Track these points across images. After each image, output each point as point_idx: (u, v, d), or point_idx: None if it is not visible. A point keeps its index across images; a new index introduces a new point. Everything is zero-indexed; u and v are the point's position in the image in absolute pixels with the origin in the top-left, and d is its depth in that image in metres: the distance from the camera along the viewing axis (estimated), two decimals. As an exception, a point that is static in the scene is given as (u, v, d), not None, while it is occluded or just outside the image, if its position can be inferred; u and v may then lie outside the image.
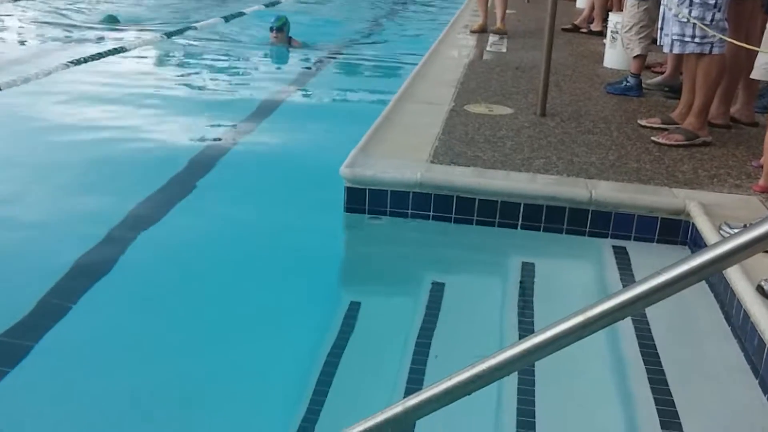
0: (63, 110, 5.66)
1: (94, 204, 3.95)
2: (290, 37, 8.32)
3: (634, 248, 3.42)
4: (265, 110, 5.85)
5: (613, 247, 3.44)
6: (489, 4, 8.67)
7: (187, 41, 8.74)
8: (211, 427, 2.30)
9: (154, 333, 2.83)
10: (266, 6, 11.13)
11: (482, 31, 8.34)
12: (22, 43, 8.70)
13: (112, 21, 9.66)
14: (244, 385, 2.53)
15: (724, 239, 1.25)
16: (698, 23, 4.08)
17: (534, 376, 2.41)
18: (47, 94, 6.14)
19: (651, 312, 2.80)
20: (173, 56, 8.27)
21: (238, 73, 7.44)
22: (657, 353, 2.62)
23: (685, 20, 4.12)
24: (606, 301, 1.41)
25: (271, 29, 8.19)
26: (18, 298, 2.92)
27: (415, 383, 2.41)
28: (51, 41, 8.53)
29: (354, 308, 2.95)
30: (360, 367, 2.59)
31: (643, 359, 2.59)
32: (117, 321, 2.90)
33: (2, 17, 9.90)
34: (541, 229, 3.53)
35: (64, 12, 10.38)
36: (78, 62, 7.02)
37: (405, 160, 3.80)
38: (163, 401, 2.45)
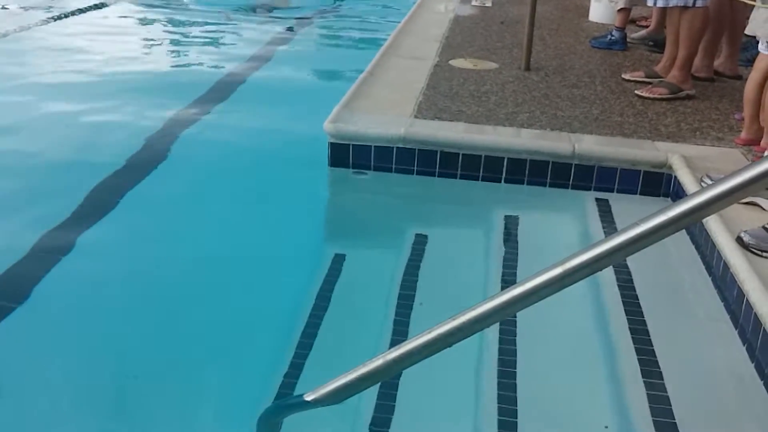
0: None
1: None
2: None
3: (616, 200, 3.41)
4: (248, 69, 5.75)
5: (596, 199, 3.43)
6: None
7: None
8: (195, 379, 2.29)
9: (140, 284, 2.81)
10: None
11: None
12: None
13: None
14: (230, 337, 2.51)
15: (703, 189, 1.23)
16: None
17: (515, 327, 2.41)
18: None
19: (632, 263, 2.81)
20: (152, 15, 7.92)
21: (220, 32, 7.22)
22: (638, 303, 2.62)
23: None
24: (586, 252, 1.40)
25: None
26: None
27: (399, 334, 2.41)
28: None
29: (338, 260, 2.94)
30: (345, 318, 2.58)
31: (624, 309, 2.59)
32: (103, 272, 2.87)
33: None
34: (525, 182, 3.52)
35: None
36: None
37: (389, 116, 3.76)
38: (149, 352, 2.43)
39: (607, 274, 2.69)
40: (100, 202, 3.41)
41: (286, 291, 2.80)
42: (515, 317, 2.37)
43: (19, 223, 3.19)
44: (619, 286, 2.71)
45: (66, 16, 7.13)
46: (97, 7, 7.51)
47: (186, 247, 3.10)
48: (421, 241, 3.08)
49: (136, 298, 2.73)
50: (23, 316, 2.57)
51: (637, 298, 2.65)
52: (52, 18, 7.04)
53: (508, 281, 2.76)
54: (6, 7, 7.63)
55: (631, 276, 2.77)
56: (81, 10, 7.34)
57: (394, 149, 3.55)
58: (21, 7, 7.53)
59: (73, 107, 4.69)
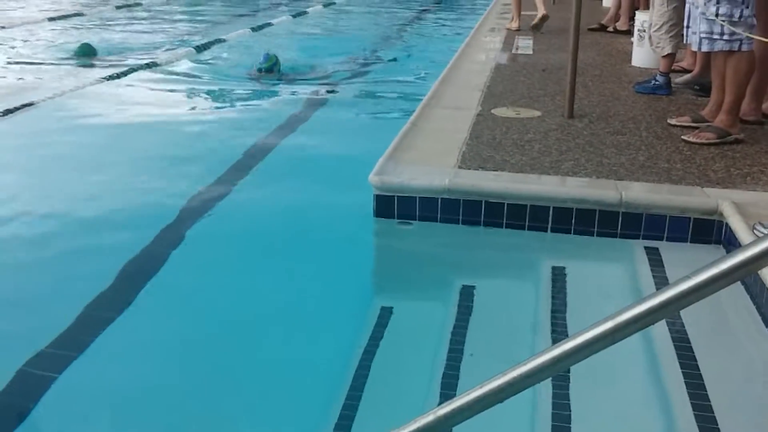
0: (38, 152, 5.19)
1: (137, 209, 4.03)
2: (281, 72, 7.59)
3: (667, 249, 3.37)
4: (293, 122, 5.88)
5: (646, 248, 3.39)
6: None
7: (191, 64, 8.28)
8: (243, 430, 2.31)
9: (190, 335, 2.88)
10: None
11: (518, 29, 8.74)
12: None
13: (86, 53, 8.38)
14: (276, 391, 2.54)
15: (758, 239, 1.22)
16: (726, 21, 4.03)
17: (568, 380, 2.38)
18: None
19: (686, 315, 2.76)
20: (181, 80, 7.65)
21: (259, 95, 7.23)
22: (693, 356, 2.57)
23: (713, 18, 4.06)
24: (637, 305, 1.39)
25: (260, 70, 7.41)
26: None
27: (449, 387, 2.40)
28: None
29: (385, 312, 2.95)
30: (392, 372, 2.58)
31: (679, 362, 2.54)
32: (155, 324, 2.95)
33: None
34: (572, 231, 3.50)
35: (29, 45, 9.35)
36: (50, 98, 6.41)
37: (433, 167, 3.80)
38: (196, 401, 2.48)
39: (660, 326, 2.65)
40: (150, 259, 3.49)
41: (333, 344, 2.81)
42: (568, 372, 2.34)
43: (70, 279, 3.29)
44: (672, 337, 2.66)
45: (91, 84, 7.14)
46: (120, 75, 7.48)
47: (231, 301, 3.15)
48: (468, 291, 3.08)
49: (185, 352, 2.78)
50: (81, 368, 2.63)
51: (691, 350, 2.60)
52: (77, 88, 7.01)
53: (558, 332, 2.74)
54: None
55: (684, 328, 2.72)
56: (110, 77, 7.35)
57: (439, 200, 3.57)
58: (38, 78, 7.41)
59: (118, 170, 4.81)
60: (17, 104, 6.09)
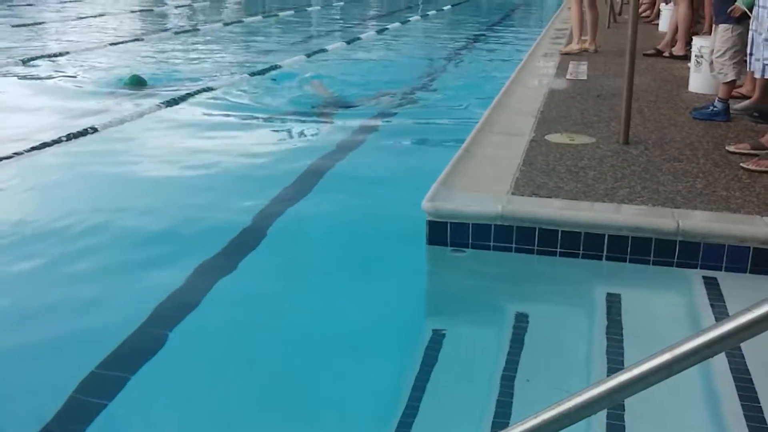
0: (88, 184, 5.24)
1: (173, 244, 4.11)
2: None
3: (725, 279, 3.32)
4: (346, 148, 5.96)
5: (704, 277, 3.34)
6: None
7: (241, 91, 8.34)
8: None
9: (242, 360, 2.93)
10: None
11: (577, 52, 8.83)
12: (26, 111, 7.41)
13: (136, 83, 8.39)
14: (328, 414, 2.57)
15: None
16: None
17: (624, 411, 2.35)
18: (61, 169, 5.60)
19: (746, 346, 2.70)
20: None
21: (314, 122, 7.20)
22: (754, 388, 2.52)
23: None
24: (696, 338, 1.39)
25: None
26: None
27: (502, 416, 2.39)
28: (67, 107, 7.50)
29: (438, 338, 2.97)
30: (445, 399, 2.58)
31: (738, 395, 2.49)
32: (208, 350, 3.01)
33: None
34: (627, 260, 3.47)
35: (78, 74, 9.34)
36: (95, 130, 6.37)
37: (486, 193, 3.81)
38: (251, 417, 2.54)
39: (719, 359, 2.60)
40: (205, 278, 3.58)
41: (385, 370, 2.83)
42: (623, 405, 2.31)
43: (134, 291, 3.48)
44: (732, 371, 2.61)
45: (149, 110, 7.24)
46: (177, 100, 7.60)
47: (285, 322, 3.22)
48: (522, 319, 3.07)
49: (240, 369, 2.84)
50: (152, 369, 2.76)
51: (752, 383, 2.55)
52: (136, 114, 7.13)
53: (613, 360, 2.72)
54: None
55: (744, 360, 2.66)
56: (168, 102, 7.47)
57: (492, 227, 3.58)
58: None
59: (177, 191, 4.99)
60: (79, 129, 6.30)
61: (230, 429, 2.51)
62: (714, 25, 5.93)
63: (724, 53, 5.52)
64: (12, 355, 2.97)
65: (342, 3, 20.40)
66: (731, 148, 4.63)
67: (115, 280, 3.63)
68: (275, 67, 9.60)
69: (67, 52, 10.77)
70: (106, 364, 2.83)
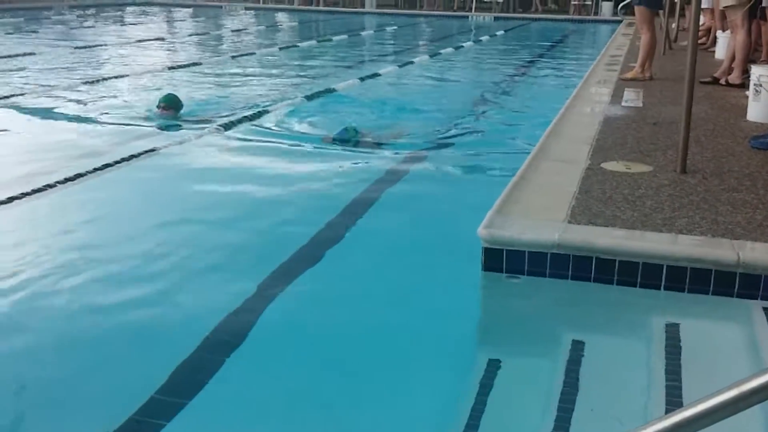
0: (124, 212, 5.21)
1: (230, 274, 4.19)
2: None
3: (787, 311, 3.28)
4: (400, 174, 6.03)
5: (764, 309, 3.30)
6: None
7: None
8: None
9: (289, 393, 2.92)
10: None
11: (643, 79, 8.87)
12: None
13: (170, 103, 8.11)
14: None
15: None
16: None
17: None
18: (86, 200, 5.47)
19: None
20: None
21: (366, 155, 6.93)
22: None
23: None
24: (763, 374, 1.39)
25: (334, 140, 6.99)
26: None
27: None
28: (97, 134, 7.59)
29: (493, 365, 2.97)
30: (501, 426, 2.60)
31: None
32: (252, 388, 2.98)
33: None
34: (686, 290, 3.45)
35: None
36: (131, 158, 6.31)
37: (542, 221, 3.82)
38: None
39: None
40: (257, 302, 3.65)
41: (440, 396, 2.86)
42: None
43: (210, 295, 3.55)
44: None
45: (201, 135, 7.23)
46: (229, 126, 7.56)
47: (339, 348, 3.25)
48: (578, 347, 3.07)
49: (286, 405, 2.85)
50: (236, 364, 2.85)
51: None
52: (188, 138, 7.12)
53: (671, 393, 2.70)
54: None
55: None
56: (223, 127, 7.43)
57: (548, 255, 3.59)
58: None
59: (224, 216, 5.06)
60: (140, 151, 6.51)
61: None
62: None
63: None
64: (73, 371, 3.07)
65: (395, 28, 20.60)
66: (792, 179, 4.57)
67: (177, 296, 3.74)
68: (330, 91, 9.75)
69: (126, 75, 11.14)
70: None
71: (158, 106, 8.05)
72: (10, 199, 5.10)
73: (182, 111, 8.14)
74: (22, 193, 5.20)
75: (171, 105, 8.07)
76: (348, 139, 6.95)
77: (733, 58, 8.49)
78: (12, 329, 3.42)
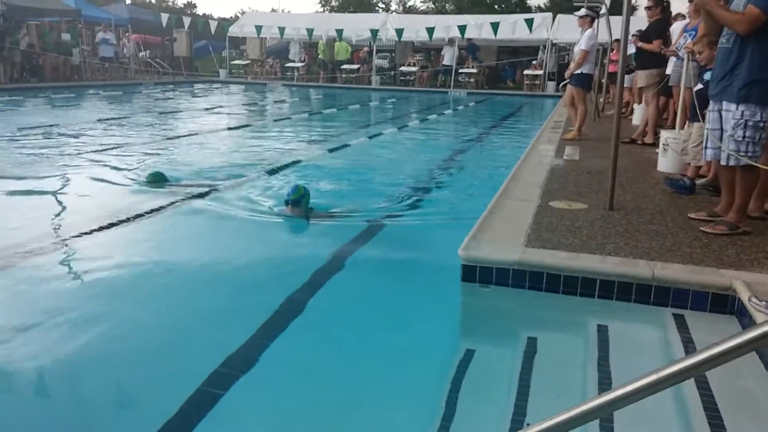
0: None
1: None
2: (310, 208, 5.37)
3: (690, 316, 3.26)
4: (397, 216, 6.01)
5: (673, 314, 3.29)
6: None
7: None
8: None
9: (291, 397, 2.68)
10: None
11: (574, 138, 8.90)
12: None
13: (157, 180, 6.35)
14: (383, 412, 2.57)
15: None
16: (749, 141, 3.95)
17: (612, 423, 2.31)
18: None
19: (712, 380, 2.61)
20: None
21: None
22: (720, 416, 2.41)
23: (741, 139, 3.97)
24: (675, 364, 1.39)
25: (287, 203, 5.30)
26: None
27: (516, 423, 2.37)
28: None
29: (469, 354, 2.96)
30: (475, 401, 2.57)
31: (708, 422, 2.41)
32: (257, 400, 2.64)
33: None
34: (614, 298, 3.44)
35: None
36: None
37: (506, 245, 3.82)
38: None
39: (692, 393, 2.54)
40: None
41: (429, 375, 2.85)
42: (612, 416, 2.26)
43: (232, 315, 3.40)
44: (704, 407, 2.49)
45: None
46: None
47: (341, 345, 3.17)
48: (532, 341, 3.06)
49: (287, 409, 2.62)
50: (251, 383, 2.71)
51: (719, 411, 2.47)
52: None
53: (603, 377, 2.68)
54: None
55: (712, 393, 2.59)
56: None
57: (511, 270, 3.59)
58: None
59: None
60: (201, 188, 6.18)
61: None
62: (689, 123, 5.91)
63: (699, 144, 5.49)
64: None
65: (394, 100, 20.69)
66: (692, 215, 4.57)
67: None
68: (345, 146, 9.71)
69: (196, 133, 10.86)
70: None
71: (148, 181, 6.39)
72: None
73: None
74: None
75: (156, 179, 6.38)
76: (298, 199, 5.26)
77: (646, 124, 8.54)
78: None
